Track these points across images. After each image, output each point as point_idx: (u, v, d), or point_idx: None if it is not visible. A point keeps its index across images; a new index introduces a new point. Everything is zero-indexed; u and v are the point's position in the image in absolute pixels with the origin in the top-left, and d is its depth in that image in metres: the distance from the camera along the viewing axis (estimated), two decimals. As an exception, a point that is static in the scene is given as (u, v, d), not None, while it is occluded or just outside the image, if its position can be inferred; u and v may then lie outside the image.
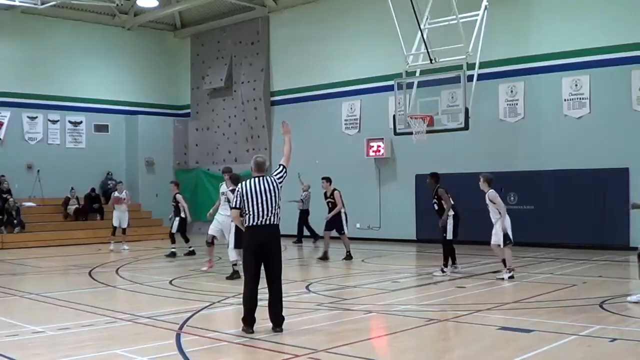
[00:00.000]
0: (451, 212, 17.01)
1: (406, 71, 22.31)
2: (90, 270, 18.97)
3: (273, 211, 10.49)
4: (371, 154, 28.09)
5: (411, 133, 22.07)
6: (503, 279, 15.79)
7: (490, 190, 16.07)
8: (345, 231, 21.16)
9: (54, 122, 32.89)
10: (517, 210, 22.93)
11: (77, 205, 31.03)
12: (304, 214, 27.91)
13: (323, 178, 21.91)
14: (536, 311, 11.96)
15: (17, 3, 29.79)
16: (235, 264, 16.51)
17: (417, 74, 22.44)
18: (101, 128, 34.35)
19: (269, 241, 10.51)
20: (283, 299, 10.65)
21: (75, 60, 33.34)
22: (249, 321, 10.45)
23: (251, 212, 10.48)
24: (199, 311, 12.43)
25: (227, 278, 16.58)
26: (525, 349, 9.30)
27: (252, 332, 10.34)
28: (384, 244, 26.09)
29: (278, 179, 10.69)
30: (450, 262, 17.20)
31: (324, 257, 21.01)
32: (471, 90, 21.23)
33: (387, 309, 12.76)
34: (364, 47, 28.85)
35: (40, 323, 11.49)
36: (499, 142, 24.61)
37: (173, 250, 22.49)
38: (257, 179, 10.68)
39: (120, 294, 15.68)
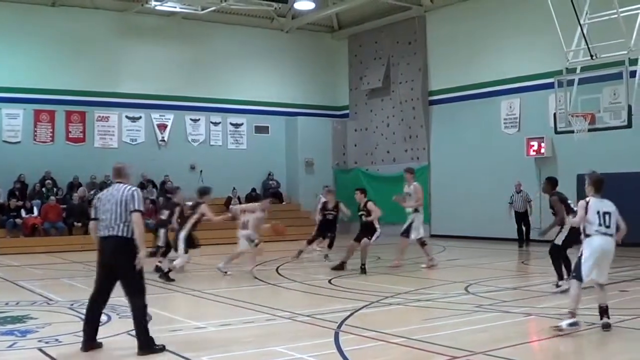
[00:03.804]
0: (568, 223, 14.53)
1: (566, 68, 21.79)
2: (252, 269, 19.35)
3: (116, 222, 9.56)
4: (531, 153, 27.60)
5: (572, 132, 21.59)
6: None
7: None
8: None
9: (216, 124, 33.85)
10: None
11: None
12: (517, 217, 26.83)
13: (357, 190, 19.83)
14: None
15: (178, 9, 30.80)
16: None
17: (578, 71, 21.88)
18: (261, 129, 35.10)
19: (110, 255, 9.64)
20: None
21: (235, 63, 34.16)
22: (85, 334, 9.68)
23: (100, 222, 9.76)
24: (357, 310, 12.53)
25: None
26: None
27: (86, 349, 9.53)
28: (545, 246, 25.50)
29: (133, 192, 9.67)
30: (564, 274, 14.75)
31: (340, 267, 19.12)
32: (634, 86, 20.56)
33: (547, 312, 12.53)
34: (522, 44, 28.39)
35: (203, 319, 11.87)
36: (664, 140, 23.76)
37: None
38: (112, 185, 10.05)
39: (280, 291, 15.97)
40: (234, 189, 31.80)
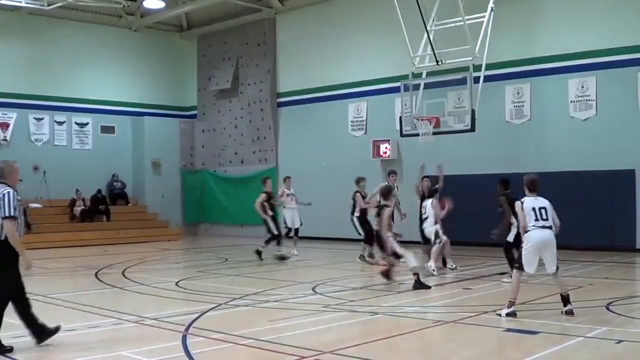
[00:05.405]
0: (514, 221, 15.22)
1: (413, 73, 22.22)
2: (97, 272, 18.98)
3: None
4: (377, 155, 28.03)
5: (417, 135, 22.03)
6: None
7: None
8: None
9: (60, 123, 32.90)
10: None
11: (83, 207, 31.01)
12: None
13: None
14: (542, 313, 11.94)
15: (23, 4, 29.79)
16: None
17: (424, 76, 22.36)
18: (107, 129, 34.32)
19: None
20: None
21: (81, 61, 33.33)
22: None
23: None
24: (205, 312, 12.42)
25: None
26: (532, 351, 9.32)
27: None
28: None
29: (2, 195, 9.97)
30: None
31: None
32: (477, 91, 21.14)
33: (393, 310, 12.76)
34: (370, 49, 28.82)
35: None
36: (505, 143, 24.53)
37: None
38: None
39: (126, 295, 15.69)
40: (78, 190, 30.99)
